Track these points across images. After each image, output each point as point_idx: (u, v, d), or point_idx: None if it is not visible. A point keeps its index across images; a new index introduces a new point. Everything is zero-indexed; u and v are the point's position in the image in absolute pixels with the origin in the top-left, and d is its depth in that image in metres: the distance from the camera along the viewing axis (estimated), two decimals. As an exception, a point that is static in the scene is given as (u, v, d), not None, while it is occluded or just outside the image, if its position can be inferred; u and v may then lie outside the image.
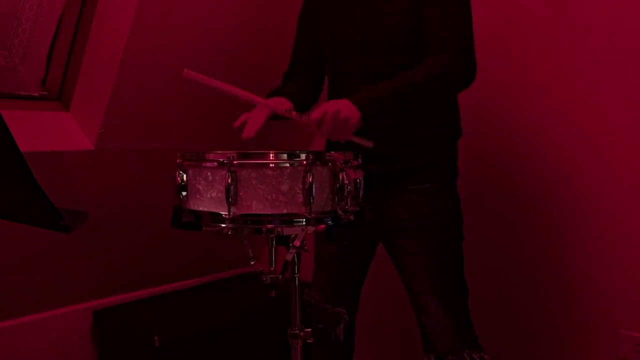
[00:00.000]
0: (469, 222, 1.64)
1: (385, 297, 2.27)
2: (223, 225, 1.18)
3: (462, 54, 1.47)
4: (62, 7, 1.96)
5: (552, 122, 2.01)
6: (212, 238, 2.43)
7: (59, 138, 1.98)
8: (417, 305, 1.60)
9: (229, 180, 1.15)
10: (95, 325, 2.27)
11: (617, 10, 1.85)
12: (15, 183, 1.03)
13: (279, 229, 1.20)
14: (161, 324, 2.10)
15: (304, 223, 1.18)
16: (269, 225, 1.18)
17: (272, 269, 1.29)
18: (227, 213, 1.17)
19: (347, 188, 1.23)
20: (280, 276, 1.28)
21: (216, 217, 1.19)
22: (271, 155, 1.18)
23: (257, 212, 1.17)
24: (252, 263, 1.32)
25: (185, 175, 1.25)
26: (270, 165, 1.18)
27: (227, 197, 1.16)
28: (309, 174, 1.16)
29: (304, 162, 1.17)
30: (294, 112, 1.43)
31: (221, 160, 1.17)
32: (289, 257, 1.28)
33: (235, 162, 1.16)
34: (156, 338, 1.97)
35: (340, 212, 1.23)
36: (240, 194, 1.17)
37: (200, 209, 1.23)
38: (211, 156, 1.20)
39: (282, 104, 1.53)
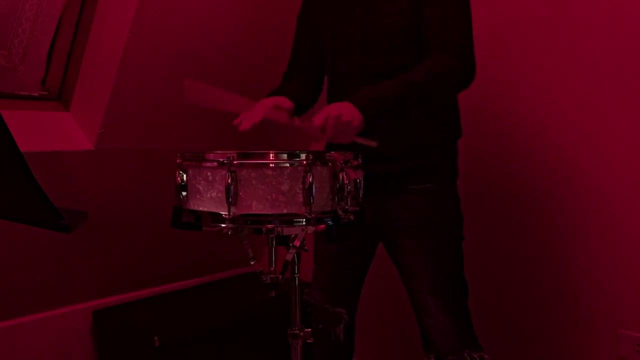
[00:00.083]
0: (469, 222, 1.64)
1: (385, 297, 2.27)
2: (223, 225, 1.18)
3: (462, 54, 1.47)
4: (62, 7, 1.96)
5: (552, 122, 2.01)
6: (212, 238, 2.43)
7: (59, 138, 1.98)
8: (417, 305, 1.60)
9: (229, 180, 1.15)
10: (95, 325, 2.27)
11: (617, 10, 1.85)
12: (15, 183, 1.03)
13: (279, 229, 1.20)
14: (161, 324, 2.10)
15: (304, 223, 1.18)
16: (269, 225, 1.18)
17: (272, 269, 1.29)
18: (227, 213, 1.17)
19: (347, 188, 1.23)
20: (280, 276, 1.28)
21: (216, 217, 1.19)
22: (271, 155, 1.18)
23: (257, 212, 1.17)
24: (252, 263, 1.32)
25: (185, 175, 1.25)
26: (270, 165, 1.18)
27: (227, 197, 1.16)
28: (309, 174, 1.16)
29: (304, 162, 1.17)
30: (296, 119, 1.43)
31: (221, 160, 1.17)
32: (289, 257, 1.28)
33: (235, 162, 1.16)
34: (156, 338, 1.97)
35: (340, 212, 1.23)
36: (240, 194, 1.17)
37: (200, 209, 1.23)
38: (211, 156, 1.20)
39: (282, 103, 1.53)
